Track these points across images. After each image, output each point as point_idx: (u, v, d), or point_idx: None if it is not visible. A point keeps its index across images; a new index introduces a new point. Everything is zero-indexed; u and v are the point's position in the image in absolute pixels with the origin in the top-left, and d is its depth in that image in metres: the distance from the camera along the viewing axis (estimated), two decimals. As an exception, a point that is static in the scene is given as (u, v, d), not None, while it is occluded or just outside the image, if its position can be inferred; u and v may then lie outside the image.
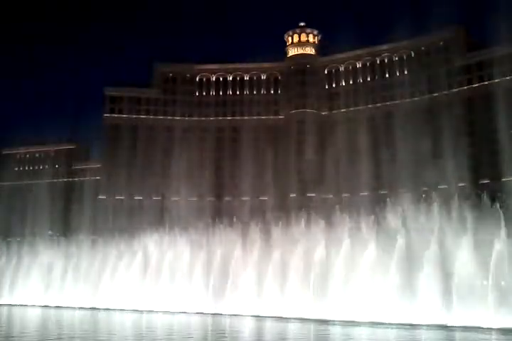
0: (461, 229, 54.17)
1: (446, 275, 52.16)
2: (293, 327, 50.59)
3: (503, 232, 51.60)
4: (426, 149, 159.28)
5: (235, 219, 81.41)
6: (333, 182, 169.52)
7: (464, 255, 52.09)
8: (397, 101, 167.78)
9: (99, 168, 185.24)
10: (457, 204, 56.88)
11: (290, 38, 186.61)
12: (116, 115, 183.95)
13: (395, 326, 48.29)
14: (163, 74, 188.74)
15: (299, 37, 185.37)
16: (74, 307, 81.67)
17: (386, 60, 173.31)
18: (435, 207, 58.24)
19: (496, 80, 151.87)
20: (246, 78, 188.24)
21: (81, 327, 51.12)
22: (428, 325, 48.29)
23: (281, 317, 58.66)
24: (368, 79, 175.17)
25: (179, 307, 71.25)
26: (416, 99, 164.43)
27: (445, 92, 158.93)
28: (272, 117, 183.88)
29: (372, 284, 54.99)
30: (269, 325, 52.92)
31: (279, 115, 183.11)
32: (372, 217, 62.85)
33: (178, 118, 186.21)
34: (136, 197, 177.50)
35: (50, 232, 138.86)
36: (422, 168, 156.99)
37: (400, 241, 56.03)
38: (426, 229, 55.98)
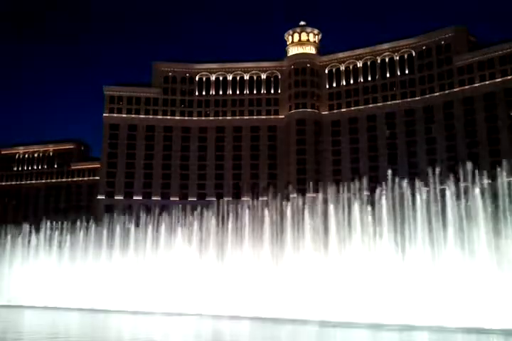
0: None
1: None
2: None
3: None
4: (426, 149, 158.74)
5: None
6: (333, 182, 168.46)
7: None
8: (398, 101, 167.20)
9: (98, 167, 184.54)
10: None
11: (290, 37, 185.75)
12: (115, 115, 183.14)
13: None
14: (163, 74, 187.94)
15: (300, 36, 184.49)
16: (72, 309, 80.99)
17: (387, 60, 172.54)
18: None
19: (497, 80, 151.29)
20: (246, 78, 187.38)
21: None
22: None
23: None
24: (369, 78, 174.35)
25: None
26: (417, 98, 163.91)
27: (446, 92, 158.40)
28: (272, 117, 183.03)
29: None
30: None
31: (279, 115, 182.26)
32: None
33: (177, 118, 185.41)
34: (135, 197, 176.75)
35: (48, 232, 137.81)
36: (420, 167, 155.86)
37: None
38: None
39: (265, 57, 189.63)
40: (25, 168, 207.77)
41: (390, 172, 67.24)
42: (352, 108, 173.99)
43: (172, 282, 73.82)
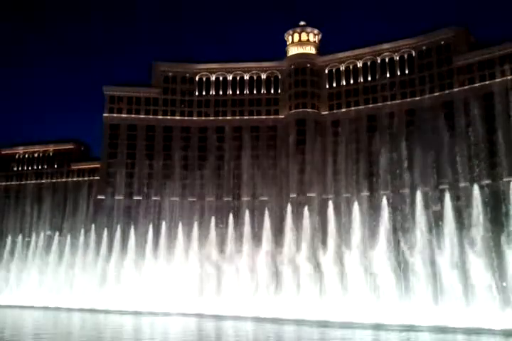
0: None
1: None
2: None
3: None
4: (426, 149, 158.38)
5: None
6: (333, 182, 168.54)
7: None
8: (398, 101, 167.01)
9: (98, 167, 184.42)
10: None
11: (290, 37, 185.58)
12: (115, 115, 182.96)
13: None
14: (163, 74, 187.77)
15: (300, 36, 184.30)
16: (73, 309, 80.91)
17: (387, 60, 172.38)
18: None
19: (497, 80, 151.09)
20: (246, 78, 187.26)
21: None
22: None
23: None
24: (369, 78, 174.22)
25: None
26: (417, 98, 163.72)
27: (446, 92, 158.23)
28: (272, 117, 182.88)
29: None
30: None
31: (279, 115, 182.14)
32: None
33: (177, 118, 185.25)
34: (135, 198, 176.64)
35: (48, 232, 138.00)
36: (422, 168, 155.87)
37: None
38: None
39: (265, 57, 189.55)
40: (25, 168, 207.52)
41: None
42: (352, 108, 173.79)
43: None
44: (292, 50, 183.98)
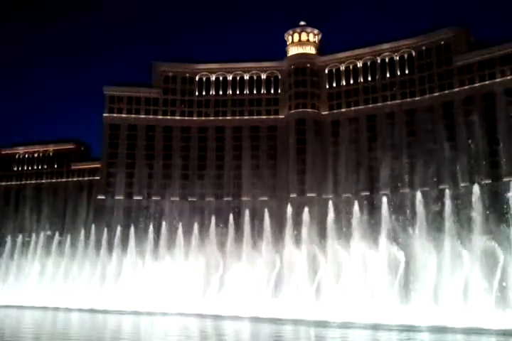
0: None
1: None
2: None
3: None
4: (427, 149, 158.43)
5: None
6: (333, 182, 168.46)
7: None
8: (398, 101, 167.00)
9: (99, 167, 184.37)
10: None
11: (290, 37, 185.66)
12: (115, 115, 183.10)
13: None
14: (163, 74, 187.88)
15: (300, 36, 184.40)
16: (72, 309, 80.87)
17: (387, 60, 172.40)
18: None
19: (497, 80, 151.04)
20: (246, 78, 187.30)
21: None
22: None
23: None
24: (369, 78, 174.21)
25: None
26: (417, 98, 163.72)
27: (446, 92, 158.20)
28: (272, 117, 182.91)
29: None
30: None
31: (279, 115, 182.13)
32: None
33: (177, 118, 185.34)
34: (135, 198, 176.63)
35: (48, 232, 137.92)
36: (422, 168, 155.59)
37: None
38: None
39: (265, 57, 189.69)
40: (25, 168, 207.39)
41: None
42: (352, 108, 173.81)
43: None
44: (292, 50, 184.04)
